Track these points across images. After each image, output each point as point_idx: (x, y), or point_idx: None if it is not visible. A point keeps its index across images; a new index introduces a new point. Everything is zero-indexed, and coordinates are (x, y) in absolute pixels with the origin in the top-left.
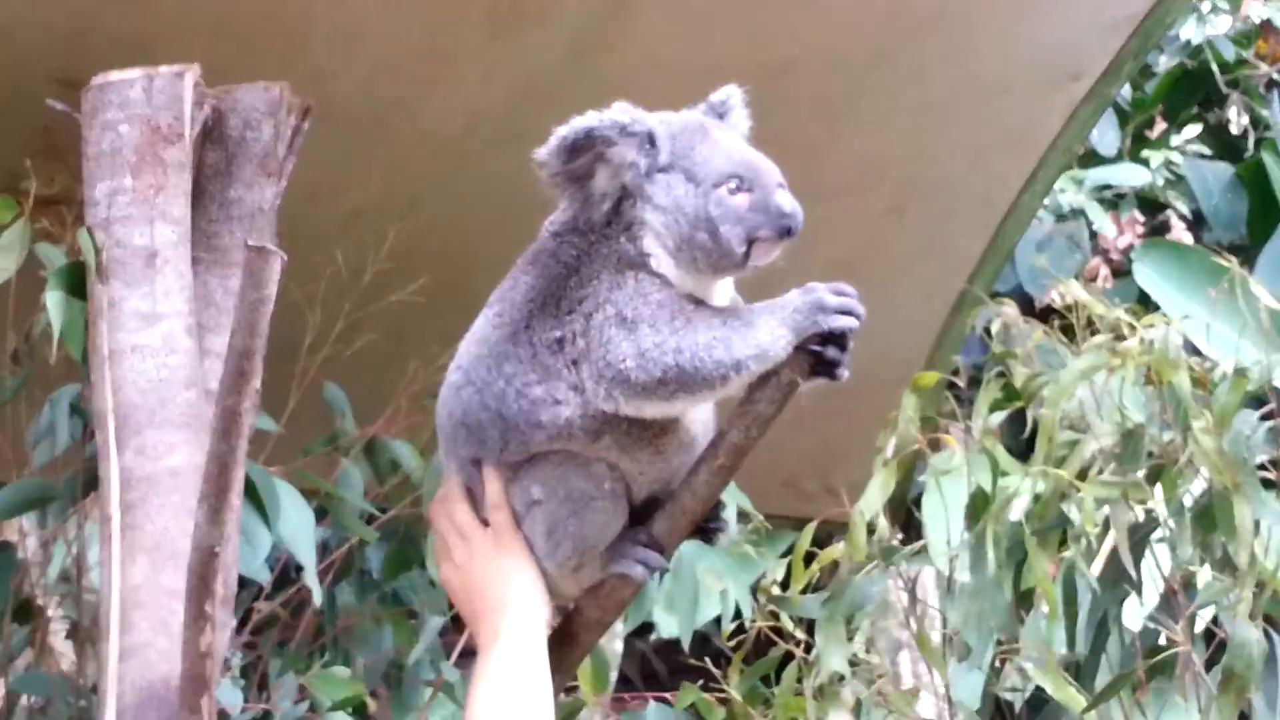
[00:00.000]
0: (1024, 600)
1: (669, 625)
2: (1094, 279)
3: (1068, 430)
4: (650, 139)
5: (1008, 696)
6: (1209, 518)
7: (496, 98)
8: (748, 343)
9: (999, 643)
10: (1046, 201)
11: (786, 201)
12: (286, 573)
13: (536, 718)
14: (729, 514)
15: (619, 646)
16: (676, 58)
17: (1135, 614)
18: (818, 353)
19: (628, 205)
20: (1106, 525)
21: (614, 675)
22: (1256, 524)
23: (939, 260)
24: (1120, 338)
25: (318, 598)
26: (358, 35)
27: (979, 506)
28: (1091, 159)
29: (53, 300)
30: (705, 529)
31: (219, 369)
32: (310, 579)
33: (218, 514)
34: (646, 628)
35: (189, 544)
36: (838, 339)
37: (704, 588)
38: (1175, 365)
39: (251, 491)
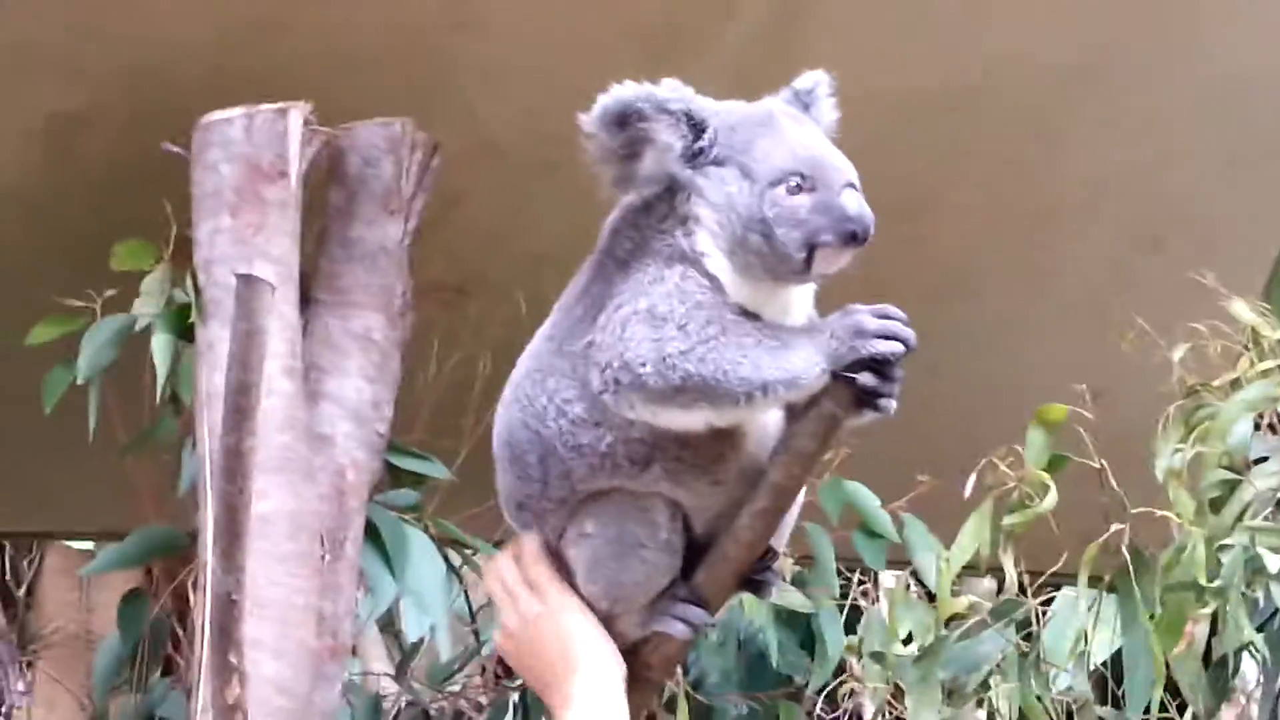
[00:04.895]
0: None
1: None
2: None
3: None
4: (689, 119)
5: None
6: None
7: None
8: (779, 364)
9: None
10: None
11: (852, 203)
12: None
13: None
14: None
15: None
16: (847, 87)
17: None
18: (852, 380)
19: (681, 199)
20: None
21: None
22: None
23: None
24: None
25: (445, 654)
26: (504, 73)
27: None
28: None
29: (158, 343)
30: (753, 581)
31: (333, 412)
32: (440, 636)
33: (230, 559)
34: None
35: (274, 593)
36: (880, 367)
37: None
38: None
39: (375, 538)
